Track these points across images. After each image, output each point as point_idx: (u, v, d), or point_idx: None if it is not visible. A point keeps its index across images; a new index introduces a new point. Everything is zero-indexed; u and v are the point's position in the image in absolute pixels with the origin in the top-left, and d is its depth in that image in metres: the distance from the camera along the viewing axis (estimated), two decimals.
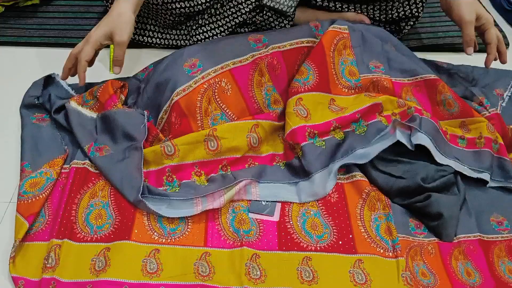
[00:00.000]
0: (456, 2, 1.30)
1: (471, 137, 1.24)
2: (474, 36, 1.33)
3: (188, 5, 1.38)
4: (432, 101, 1.30)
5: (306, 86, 1.25)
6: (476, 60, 1.50)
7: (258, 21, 1.45)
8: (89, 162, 1.17)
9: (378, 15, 1.51)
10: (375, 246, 1.06)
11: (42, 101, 1.31)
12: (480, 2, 1.33)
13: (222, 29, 1.45)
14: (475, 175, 1.19)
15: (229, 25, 1.44)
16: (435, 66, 1.48)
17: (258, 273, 1.01)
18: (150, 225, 1.07)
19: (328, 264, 1.03)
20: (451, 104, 1.28)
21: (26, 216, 1.05)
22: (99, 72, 1.46)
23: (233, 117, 1.22)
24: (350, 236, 1.07)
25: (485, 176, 1.19)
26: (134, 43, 1.53)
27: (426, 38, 1.62)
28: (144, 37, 1.53)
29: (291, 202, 1.14)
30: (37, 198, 1.08)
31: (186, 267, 1.01)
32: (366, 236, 1.07)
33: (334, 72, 1.27)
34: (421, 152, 1.18)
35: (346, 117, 1.21)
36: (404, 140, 1.19)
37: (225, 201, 1.10)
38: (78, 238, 1.04)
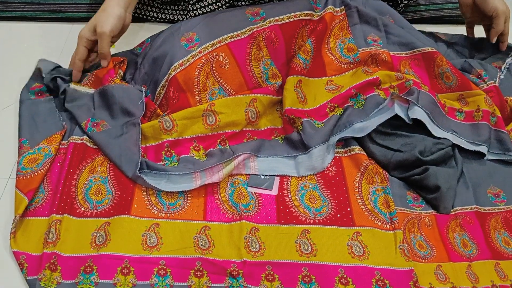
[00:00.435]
0: None
1: (468, 110, 1.24)
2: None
3: None
4: (430, 74, 1.30)
5: (307, 69, 1.26)
6: (476, 32, 1.50)
7: None
8: (87, 137, 1.17)
9: None
10: (373, 218, 1.07)
11: (46, 82, 1.28)
12: None
13: (220, 4, 1.43)
14: (472, 147, 1.19)
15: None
16: (433, 38, 1.47)
17: (257, 246, 1.02)
18: (150, 200, 1.08)
19: (326, 237, 1.04)
20: (449, 77, 1.27)
21: (26, 191, 1.05)
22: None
23: (231, 91, 1.21)
24: (348, 209, 1.08)
25: (483, 149, 1.19)
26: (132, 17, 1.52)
27: (425, 10, 1.61)
28: (142, 11, 1.52)
29: (289, 176, 1.15)
30: (36, 174, 1.09)
31: (185, 241, 1.02)
32: (364, 209, 1.08)
33: (331, 56, 1.29)
34: (419, 126, 1.19)
35: (342, 94, 1.22)
36: (402, 114, 1.19)
37: (224, 175, 1.11)
38: (78, 213, 1.05)
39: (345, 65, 1.27)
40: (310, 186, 1.13)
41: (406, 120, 1.19)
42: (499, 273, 1.00)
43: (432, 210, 1.10)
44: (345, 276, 0.98)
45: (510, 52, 1.42)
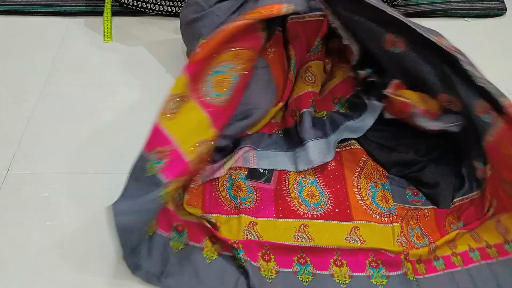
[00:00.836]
0: None
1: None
2: None
3: None
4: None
5: (316, 55, 1.26)
6: (472, 26, 1.50)
7: None
8: None
9: None
10: (371, 212, 1.07)
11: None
12: None
13: None
14: None
15: None
16: None
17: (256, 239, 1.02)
18: None
19: (324, 231, 1.04)
20: None
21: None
22: (95, 41, 1.46)
23: None
24: (347, 203, 1.09)
25: None
26: (129, 11, 1.52)
27: (422, 4, 1.60)
28: (139, 3, 1.51)
29: (288, 171, 1.15)
30: None
31: None
32: (362, 204, 1.09)
33: None
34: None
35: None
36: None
37: (225, 170, 1.11)
38: None
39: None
40: (308, 180, 1.13)
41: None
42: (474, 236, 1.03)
43: (432, 206, 1.11)
44: (339, 258, 1.00)
45: None
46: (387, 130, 1.18)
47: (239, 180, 1.12)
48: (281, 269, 0.99)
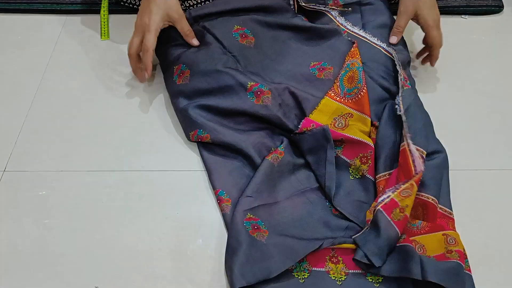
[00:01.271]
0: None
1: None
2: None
3: None
4: None
5: None
6: (470, 23, 1.50)
7: None
8: None
9: None
10: None
11: None
12: None
13: None
14: None
15: None
16: None
17: None
18: None
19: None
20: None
21: None
22: (92, 39, 1.45)
23: None
24: None
25: None
26: (126, 8, 1.51)
27: None
28: (137, 1, 1.51)
29: None
30: None
31: None
32: None
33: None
34: None
35: None
36: None
37: None
38: None
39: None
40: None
41: None
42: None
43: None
44: (336, 255, 1.00)
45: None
46: None
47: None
48: None
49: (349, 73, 1.20)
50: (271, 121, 1.16)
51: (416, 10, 1.28)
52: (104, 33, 1.47)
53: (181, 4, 1.46)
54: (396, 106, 1.13)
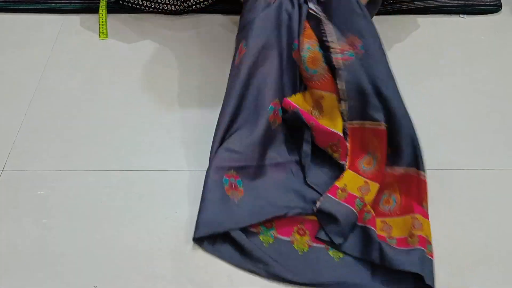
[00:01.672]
0: None
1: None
2: None
3: None
4: None
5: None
6: (468, 23, 1.51)
7: None
8: None
9: None
10: None
11: None
12: None
13: None
14: None
15: None
16: None
17: None
18: None
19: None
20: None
21: None
22: (90, 39, 1.45)
23: None
24: None
25: None
26: (124, 8, 1.51)
27: (417, 1, 1.61)
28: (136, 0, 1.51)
29: None
30: None
31: None
32: None
33: None
34: None
35: None
36: None
37: None
38: None
39: None
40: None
41: None
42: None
43: None
44: (303, 227, 1.05)
45: None
46: None
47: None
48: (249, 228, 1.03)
49: (310, 55, 1.19)
50: None
51: None
52: (103, 33, 1.46)
53: (180, 5, 1.47)
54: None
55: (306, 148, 1.14)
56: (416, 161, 1.07)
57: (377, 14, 1.46)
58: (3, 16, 1.53)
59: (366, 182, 1.08)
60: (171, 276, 0.99)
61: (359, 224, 1.04)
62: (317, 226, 1.05)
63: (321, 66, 1.16)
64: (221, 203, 1.02)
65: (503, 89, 1.35)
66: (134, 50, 1.43)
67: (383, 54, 1.15)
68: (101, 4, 1.51)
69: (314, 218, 1.05)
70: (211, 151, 1.09)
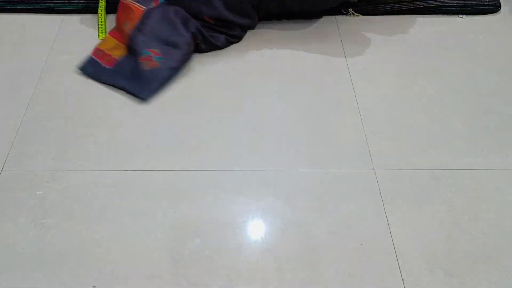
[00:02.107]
0: None
1: None
2: None
3: None
4: None
5: None
6: (467, 23, 1.50)
7: None
8: None
9: None
10: None
11: None
12: None
13: None
14: None
15: None
16: None
17: None
18: None
19: None
20: None
21: None
22: (90, 39, 1.45)
23: None
24: None
25: None
26: None
27: (418, 1, 1.61)
28: None
29: None
30: None
31: None
32: None
33: None
34: None
35: None
36: None
37: None
38: None
39: None
40: None
41: None
42: None
43: None
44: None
45: None
46: None
47: None
48: None
49: None
50: None
51: None
52: (102, 32, 1.46)
53: None
54: None
55: None
56: None
57: (377, 14, 1.46)
58: (2, 16, 1.53)
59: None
60: (170, 276, 0.98)
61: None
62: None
63: None
64: (135, 66, 1.33)
65: (502, 89, 1.35)
66: None
67: None
68: (100, 4, 1.51)
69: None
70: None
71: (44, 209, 1.08)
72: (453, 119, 1.27)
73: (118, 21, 1.46)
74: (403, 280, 0.98)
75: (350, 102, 1.30)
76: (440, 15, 1.58)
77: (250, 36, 1.48)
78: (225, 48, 1.44)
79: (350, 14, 1.54)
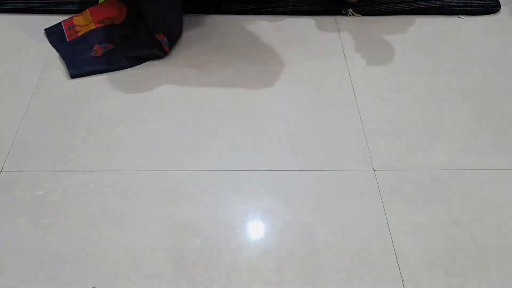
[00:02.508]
0: None
1: None
2: None
3: None
4: None
5: None
6: (466, 23, 1.50)
7: None
8: None
9: None
10: None
11: None
12: None
13: None
14: None
15: None
16: None
17: None
18: None
19: None
20: None
21: None
22: None
23: None
24: None
25: None
26: None
27: (418, 1, 1.61)
28: None
29: None
30: None
31: None
32: None
33: None
34: None
35: None
36: None
37: None
38: None
39: None
40: None
41: None
42: None
43: None
44: None
45: None
46: None
47: None
48: None
49: None
50: None
51: None
52: None
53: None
54: None
55: None
56: None
57: (377, 14, 1.46)
58: (2, 16, 1.53)
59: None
60: (170, 276, 0.98)
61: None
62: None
63: None
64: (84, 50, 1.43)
65: (501, 89, 1.35)
66: None
67: None
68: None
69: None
70: None
71: (44, 209, 1.08)
72: (453, 119, 1.27)
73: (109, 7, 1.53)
74: (402, 280, 0.98)
75: (350, 102, 1.30)
76: (439, 16, 1.58)
77: (249, 37, 1.48)
78: (225, 48, 1.44)
79: (350, 15, 1.55)
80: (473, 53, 1.46)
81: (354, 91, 1.32)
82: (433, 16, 1.57)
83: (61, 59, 1.39)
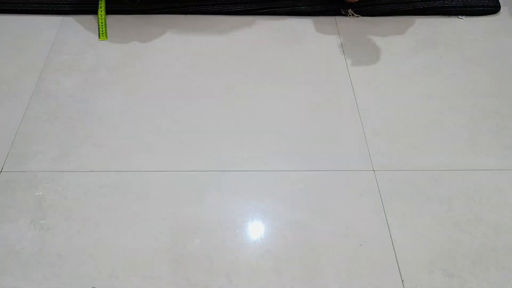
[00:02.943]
0: None
1: None
2: None
3: None
4: None
5: None
6: (466, 24, 1.50)
7: None
8: None
9: None
10: None
11: None
12: None
13: None
14: None
15: None
16: None
17: None
18: None
19: None
20: None
21: None
22: (90, 39, 1.45)
23: None
24: None
25: None
26: (124, 9, 1.51)
27: (418, 1, 1.61)
28: None
29: None
30: None
31: None
32: None
33: None
34: None
35: None
36: None
37: None
38: None
39: None
40: None
41: None
42: None
43: None
44: None
45: None
46: None
47: None
48: None
49: None
50: None
51: None
52: (102, 33, 1.46)
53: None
54: None
55: None
56: None
57: (377, 14, 1.47)
58: (2, 17, 1.53)
59: None
60: (169, 276, 0.98)
61: None
62: None
63: None
64: None
65: (501, 89, 1.35)
66: (134, 50, 1.43)
67: None
68: (100, 5, 1.51)
69: None
70: None
71: (43, 210, 1.08)
72: (453, 119, 1.27)
73: None
74: (402, 281, 0.98)
75: (350, 102, 1.30)
76: (439, 16, 1.58)
77: (249, 36, 1.48)
78: (224, 48, 1.44)
79: (349, 15, 1.55)
80: (473, 53, 1.46)
81: (354, 91, 1.32)
82: (433, 16, 1.57)
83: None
